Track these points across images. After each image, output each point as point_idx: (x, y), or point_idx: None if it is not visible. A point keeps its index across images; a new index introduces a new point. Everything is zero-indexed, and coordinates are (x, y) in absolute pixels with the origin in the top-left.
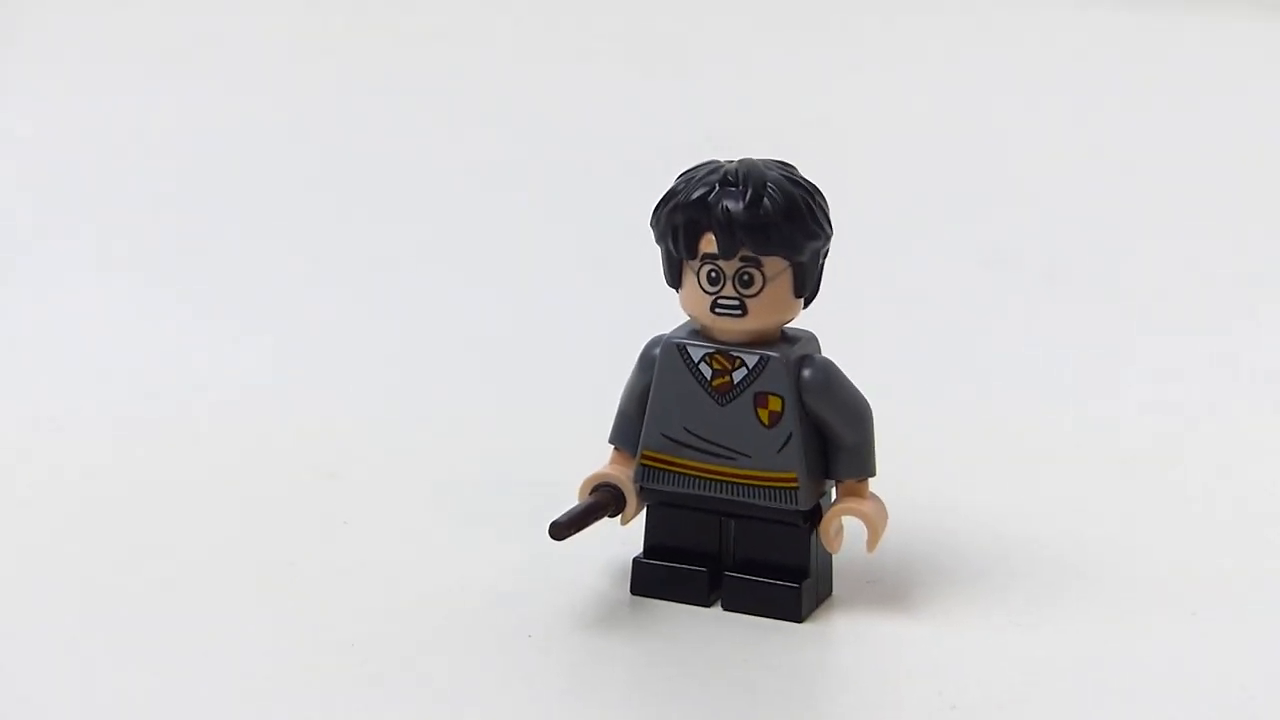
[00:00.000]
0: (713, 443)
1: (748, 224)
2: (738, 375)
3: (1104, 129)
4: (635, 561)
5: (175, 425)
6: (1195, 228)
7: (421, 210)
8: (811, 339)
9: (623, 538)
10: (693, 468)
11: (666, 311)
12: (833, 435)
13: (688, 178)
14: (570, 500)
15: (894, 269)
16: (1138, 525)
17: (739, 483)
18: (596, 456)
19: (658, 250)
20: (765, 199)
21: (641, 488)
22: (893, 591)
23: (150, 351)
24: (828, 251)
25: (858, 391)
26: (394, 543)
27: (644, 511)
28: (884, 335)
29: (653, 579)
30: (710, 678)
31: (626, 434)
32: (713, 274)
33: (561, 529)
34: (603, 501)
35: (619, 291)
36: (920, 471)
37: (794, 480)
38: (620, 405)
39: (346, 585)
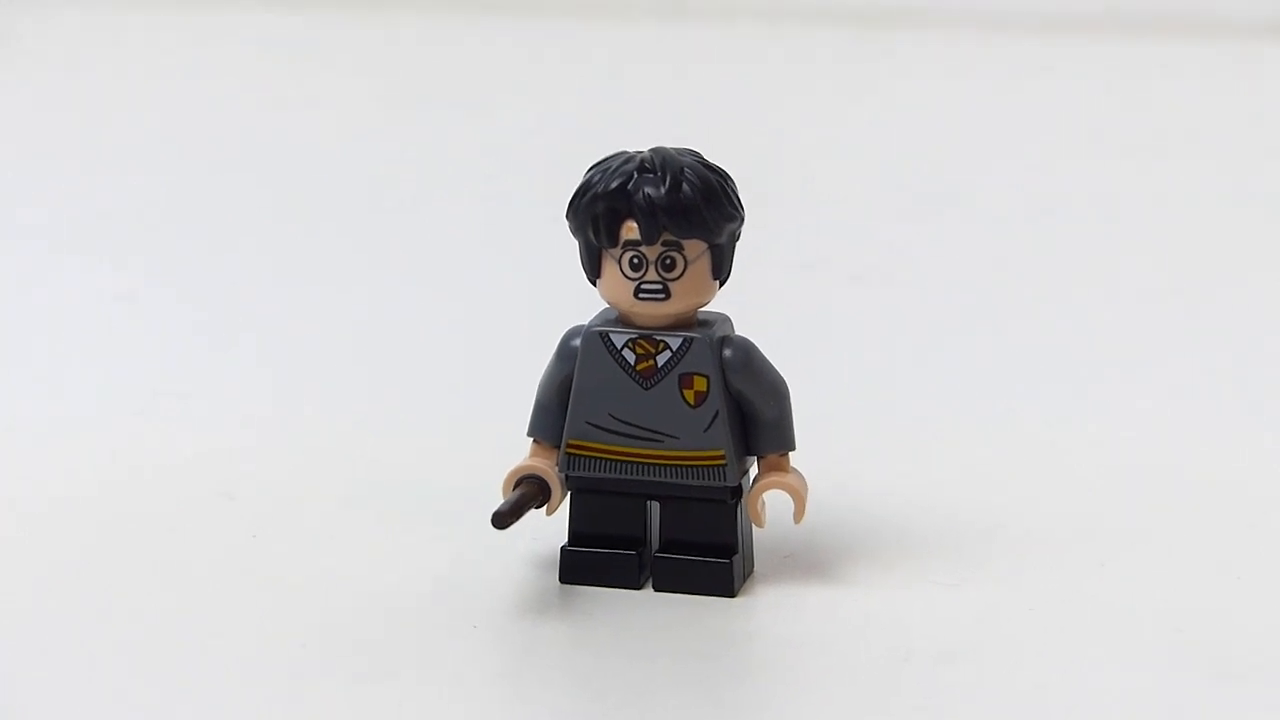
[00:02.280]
0: (639, 426)
1: (669, 208)
2: (661, 358)
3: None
4: (563, 550)
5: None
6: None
7: (311, 214)
8: (726, 320)
9: (544, 529)
10: (620, 453)
11: (561, 305)
12: (754, 412)
13: (602, 168)
14: (486, 499)
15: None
16: (1040, 490)
17: (667, 464)
18: (509, 453)
19: (564, 243)
20: (684, 184)
21: (567, 476)
22: (813, 564)
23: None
24: (740, 234)
25: (775, 369)
26: (311, 553)
27: (566, 500)
28: (790, 315)
29: (581, 565)
30: (654, 655)
31: (545, 426)
32: (635, 260)
33: (504, 517)
34: (532, 492)
35: (519, 287)
36: (822, 444)
37: (722, 457)
38: (537, 398)
39: (274, 594)
